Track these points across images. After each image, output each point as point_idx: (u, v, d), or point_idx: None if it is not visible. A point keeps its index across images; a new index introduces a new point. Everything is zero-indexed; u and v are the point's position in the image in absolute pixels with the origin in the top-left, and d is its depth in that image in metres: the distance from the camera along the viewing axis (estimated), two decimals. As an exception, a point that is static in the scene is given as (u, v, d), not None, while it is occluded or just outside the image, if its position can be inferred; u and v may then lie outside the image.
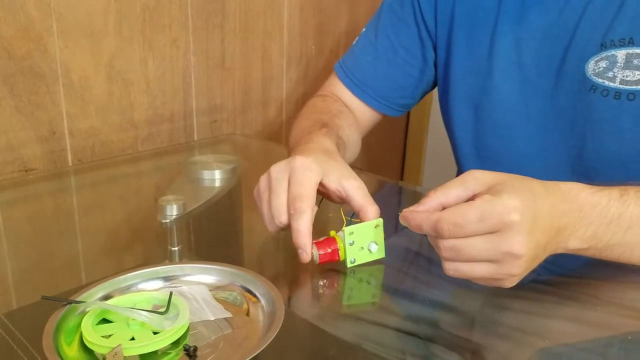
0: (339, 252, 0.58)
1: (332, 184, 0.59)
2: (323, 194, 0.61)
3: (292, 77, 1.20)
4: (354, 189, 0.59)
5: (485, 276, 0.51)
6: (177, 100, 1.01)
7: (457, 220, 0.49)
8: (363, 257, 0.59)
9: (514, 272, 0.50)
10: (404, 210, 0.53)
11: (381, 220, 0.59)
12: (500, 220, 0.48)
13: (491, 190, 0.50)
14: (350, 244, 0.58)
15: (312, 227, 0.56)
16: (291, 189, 0.57)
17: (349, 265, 0.59)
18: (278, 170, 0.59)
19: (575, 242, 0.54)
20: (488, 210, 0.48)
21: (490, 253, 0.49)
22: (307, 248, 0.55)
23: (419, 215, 0.52)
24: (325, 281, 0.59)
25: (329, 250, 0.58)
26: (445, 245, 0.50)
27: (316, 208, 0.58)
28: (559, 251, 0.55)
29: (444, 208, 0.52)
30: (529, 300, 0.57)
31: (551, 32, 0.72)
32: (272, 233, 0.61)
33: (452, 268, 0.52)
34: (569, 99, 0.72)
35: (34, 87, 0.84)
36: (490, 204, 0.48)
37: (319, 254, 0.57)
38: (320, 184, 0.59)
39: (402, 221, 0.54)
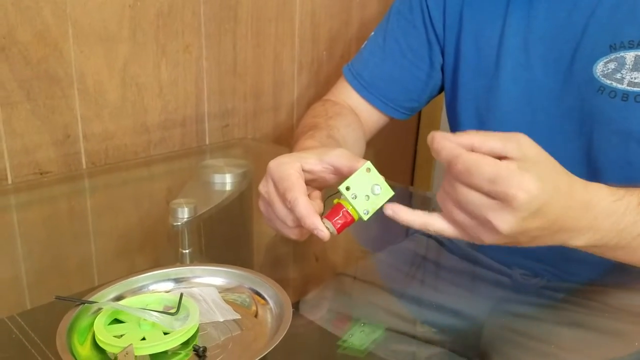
0: (349, 212, 0.57)
1: (316, 166, 0.59)
2: (316, 184, 0.61)
3: (303, 82, 1.21)
4: (337, 157, 0.58)
5: (461, 224, 0.51)
6: (190, 105, 1.02)
7: (471, 167, 0.48)
8: (374, 204, 0.57)
9: (485, 240, 0.50)
10: (435, 132, 0.51)
11: (369, 162, 0.57)
12: (506, 192, 0.47)
13: (523, 163, 0.48)
14: (354, 198, 0.56)
15: (313, 207, 0.55)
16: (278, 189, 0.57)
17: (365, 218, 0.57)
18: (263, 185, 0.59)
19: (578, 242, 0.54)
20: (503, 178, 0.47)
21: (477, 211, 0.49)
22: (319, 225, 0.54)
23: (447, 143, 0.50)
24: (334, 284, 0.60)
25: (340, 215, 0.56)
26: (449, 180, 0.50)
27: (318, 192, 0.58)
28: (556, 244, 0.54)
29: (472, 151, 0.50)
30: (537, 306, 0.57)
31: (560, 34, 0.72)
32: (300, 239, 0.60)
33: (441, 199, 0.52)
34: (576, 100, 0.72)
35: (50, 92, 0.85)
36: (509, 173, 0.47)
37: (332, 223, 0.56)
38: (307, 172, 0.58)
39: (429, 140, 0.52)
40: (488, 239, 0.50)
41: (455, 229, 0.52)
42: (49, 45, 0.83)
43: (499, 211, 0.48)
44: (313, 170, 0.59)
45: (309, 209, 0.54)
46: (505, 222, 0.48)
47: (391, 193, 0.57)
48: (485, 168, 0.47)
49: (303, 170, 0.58)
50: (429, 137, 0.51)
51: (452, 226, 0.52)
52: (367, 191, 0.57)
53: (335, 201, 0.57)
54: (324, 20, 1.20)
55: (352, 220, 0.57)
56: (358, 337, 0.53)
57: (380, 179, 0.57)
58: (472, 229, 0.50)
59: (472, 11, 0.80)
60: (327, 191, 0.61)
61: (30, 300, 0.58)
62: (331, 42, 1.23)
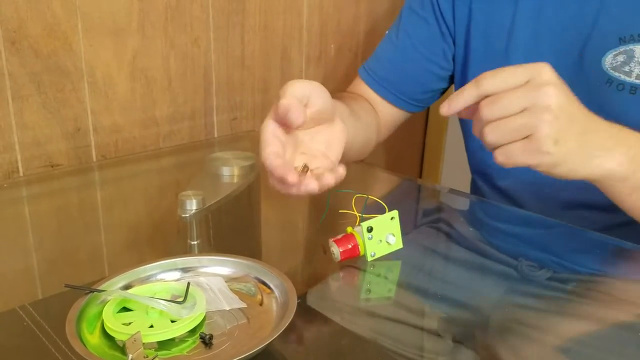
0: (359, 247, 0.59)
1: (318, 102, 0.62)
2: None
3: (310, 76, 1.21)
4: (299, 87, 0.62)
5: (518, 127, 0.52)
6: (198, 98, 1.03)
7: (496, 73, 0.53)
8: (382, 250, 0.60)
9: (544, 130, 0.51)
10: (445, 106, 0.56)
11: (396, 212, 0.59)
12: (533, 67, 0.51)
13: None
14: (370, 239, 0.58)
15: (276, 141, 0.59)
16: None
17: (369, 259, 0.59)
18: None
19: (617, 159, 0.55)
20: (524, 66, 0.52)
21: (520, 102, 0.51)
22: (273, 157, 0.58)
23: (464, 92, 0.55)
24: (339, 275, 0.60)
25: (349, 247, 0.58)
26: (482, 107, 0.53)
27: (303, 108, 0.60)
28: (597, 171, 0.56)
29: None
30: (543, 298, 0.57)
31: (570, 25, 0.72)
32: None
33: (477, 129, 0.56)
34: (584, 92, 0.72)
35: (60, 85, 0.86)
36: (525, 65, 0.53)
37: (340, 252, 0.58)
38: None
39: (442, 110, 0.56)
40: (547, 115, 0.51)
41: (514, 145, 0.53)
42: (58, 38, 0.84)
43: (539, 89, 0.50)
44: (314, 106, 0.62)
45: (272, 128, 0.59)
46: (549, 96, 0.50)
47: (400, 246, 0.61)
48: (506, 69, 0.53)
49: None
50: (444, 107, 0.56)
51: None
52: (382, 237, 0.60)
53: (349, 230, 0.59)
54: (332, 13, 1.20)
55: (357, 255, 0.59)
56: (377, 284, 0.55)
57: (398, 230, 0.60)
58: (528, 122, 0.51)
59: (480, 4, 0.80)
60: (339, 187, 0.62)
61: (41, 291, 0.59)
62: (339, 35, 1.23)
